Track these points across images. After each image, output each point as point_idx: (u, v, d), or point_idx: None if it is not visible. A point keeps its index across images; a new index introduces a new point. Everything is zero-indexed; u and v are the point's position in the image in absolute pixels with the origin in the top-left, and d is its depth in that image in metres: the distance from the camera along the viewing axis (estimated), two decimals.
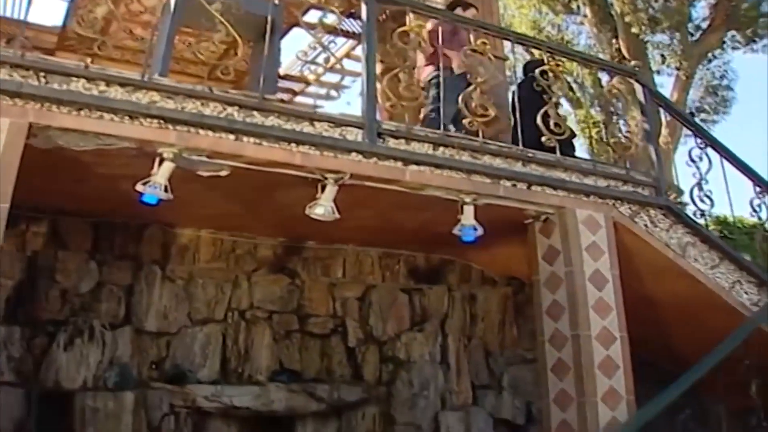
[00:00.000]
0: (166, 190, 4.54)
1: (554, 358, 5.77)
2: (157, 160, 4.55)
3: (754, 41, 14.73)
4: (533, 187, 5.63)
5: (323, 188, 4.92)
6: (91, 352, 5.90)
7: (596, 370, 5.56)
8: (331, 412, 6.74)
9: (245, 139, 4.64)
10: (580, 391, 5.53)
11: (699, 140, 6.57)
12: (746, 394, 5.69)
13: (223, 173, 4.82)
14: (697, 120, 13.76)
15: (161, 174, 4.54)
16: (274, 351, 6.74)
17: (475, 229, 5.33)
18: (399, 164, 5.06)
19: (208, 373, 6.42)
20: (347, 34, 8.92)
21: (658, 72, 14.60)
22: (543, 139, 5.60)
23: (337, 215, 4.94)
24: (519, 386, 7.59)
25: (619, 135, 6.19)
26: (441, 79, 5.93)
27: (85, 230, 6.19)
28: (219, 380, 6.40)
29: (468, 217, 5.32)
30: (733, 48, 14.91)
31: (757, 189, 6.79)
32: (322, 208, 4.93)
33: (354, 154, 4.91)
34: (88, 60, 4.46)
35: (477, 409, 7.26)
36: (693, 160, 6.43)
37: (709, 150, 6.57)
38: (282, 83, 8.61)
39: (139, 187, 4.53)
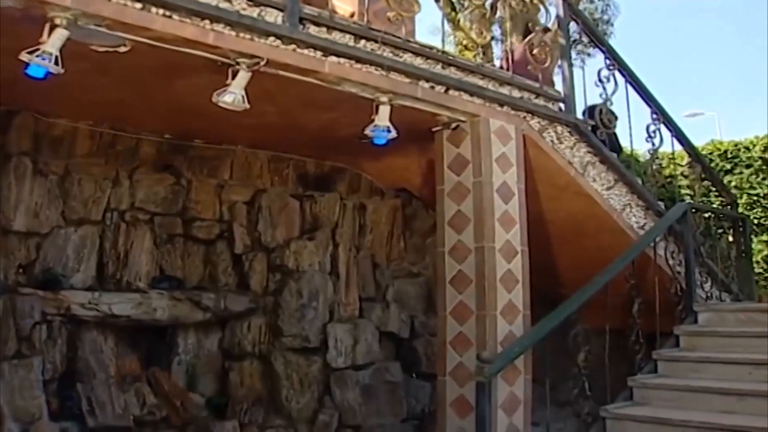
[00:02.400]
0: (57, 63, 3.95)
1: (454, 271, 5.68)
2: (47, 27, 3.94)
3: None
4: (450, 92, 5.41)
5: (234, 74, 4.48)
6: None
7: (498, 284, 5.53)
8: (215, 322, 6.44)
9: (153, 10, 4.07)
10: (481, 305, 5.49)
11: (608, 62, 6.55)
12: (629, 313, 5.85)
13: (123, 49, 4.26)
14: (573, 52, 14.06)
15: (52, 43, 3.92)
16: (154, 256, 6.33)
17: (389, 131, 5.07)
18: (318, 54, 4.66)
19: (83, 278, 5.95)
20: None
21: None
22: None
23: (246, 105, 4.51)
24: (403, 300, 7.55)
25: (538, 49, 6.01)
26: None
27: None
28: (94, 286, 5.94)
29: (383, 117, 5.03)
30: None
31: (654, 116, 6.91)
32: (232, 96, 4.48)
33: (272, 38, 4.46)
34: None
35: (365, 322, 7.16)
36: (601, 80, 6.42)
37: (616, 73, 6.57)
38: None
39: (24, 56, 3.88)
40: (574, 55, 14.64)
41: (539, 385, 5.46)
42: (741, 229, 7.71)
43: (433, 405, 6.75)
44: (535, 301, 5.90)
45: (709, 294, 6.88)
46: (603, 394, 5.44)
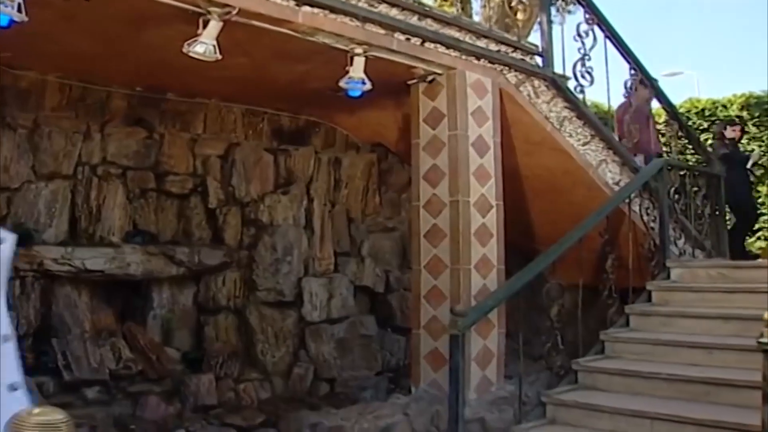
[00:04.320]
0: (20, 11, 3.84)
1: (429, 225, 5.69)
2: None
3: None
4: (426, 44, 5.35)
5: (205, 24, 4.40)
6: None
7: (472, 238, 5.54)
8: (189, 277, 6.41)
9: None
10: (455, 259, 5.51)
11: (588, 16, 6.47)
12: (602, 268, 5.89)
13: None
14: (553, 9, 13.95)
15: None
16: (127, 210, 6.25)
17: (363, 83, 5.02)
18: (291, 3, 4.57)
19: (56, 233, 5.86)
20: None
21: None
22: None
23: (218, 56, 4.44)
24: (378, 254, 7.54)
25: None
26: None
27: None
28: (67, 241, 5.86)
29: (357, 69, 4.99)
30: None
31: (632, 71, 6.86)
32: (203, 47, 4.40)
33: None
34: None
35: (339, 276, 7.16)
36: (580, 35, 6.35)
37: (596, 28, 6.49)
38: None
39: None
40: (554, 12, 14.56)
41: (512, 339, 5.52)
42: (716, 186, 7.74)
43: (407, 358, 6.80)
44: (510, 256, 5.94)
45: (682, 250, 6.94)
46: (575, 347, 5.50)
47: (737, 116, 10.03)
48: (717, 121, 9.79)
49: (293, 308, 6.78)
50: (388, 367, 7.25)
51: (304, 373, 6.70)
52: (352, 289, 7.25)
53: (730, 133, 8.34)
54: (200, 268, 6.36)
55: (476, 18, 13.60)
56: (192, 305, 6.52)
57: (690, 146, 8.45)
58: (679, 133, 7.94)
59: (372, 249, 7.52)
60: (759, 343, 3.42)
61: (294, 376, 6.65)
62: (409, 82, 5.77)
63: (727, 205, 8.14)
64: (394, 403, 5.43)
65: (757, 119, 10.03)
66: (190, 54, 4.44)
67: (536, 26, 7.45)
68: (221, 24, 4.37)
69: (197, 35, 4.39)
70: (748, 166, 8.31)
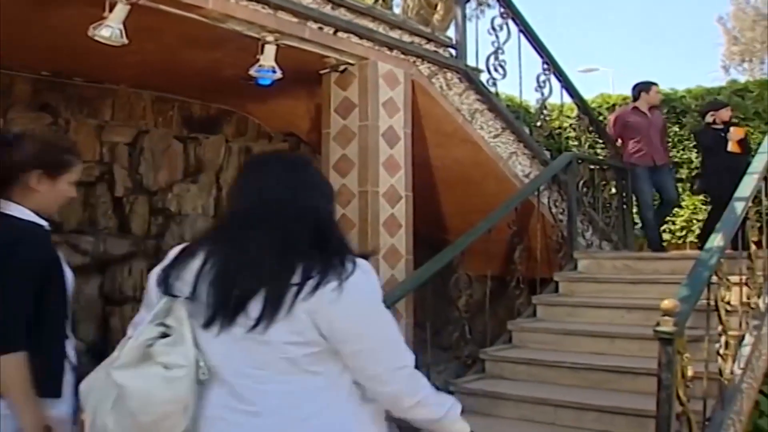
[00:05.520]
0: None
1: (338, 215, 5.65)
2: None
3: None
4: (339, 33, 5.30)
5: (112, 7, 4.27)
6: None
7: (381, 228, 5.55)
8: (95, 267, 6.22)
9: None
10: (363, 249, 5.45)
11: (502, 10, 6.54)
12: (510, 260, 6.00)
13: None
14: (473, 2, 14.06)
15: None
16: None
17: (274, 72, 4.96)
18: None
19: None
20: None
21: None
22: None
23: (125, 40, 4.30)
24: None
25: None
26: None
27: None
28: None
29: (268, 57, 4.91)
30: None
31: (545, 66, 6.97)
32: (109, 30, 4.26)
33: None
34: None
35: None
36: (494, 29, 6.41)
37: (510, 22, 6.58)
38: None
39: None
40: (473, 6, 14.72)
41: (421, 330, 5.55)
42: (624, 180, 7.94)
43: None
44: (420, 247, 5.96)
45: (589, 242, 7.12)
46: (483, 337, 5.58)
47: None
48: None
49: None
50: None
51: None
52: None
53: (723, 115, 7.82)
54: (106, 257, 6.20)
55: (396, 10, 13.66)
56: (97, 296, 6.32)
57: (600, 140, 8.60)
58: (590, 128, 8.09)
59: None
60: (655, 331, 3.54)
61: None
62: (321, 72, 5.71)
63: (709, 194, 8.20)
64: None
65: (665, 115, 10.32)
66: (96, 38, 4.29)
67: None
68: (128, 7, 4.24)
69: (103, 18, 4.26)
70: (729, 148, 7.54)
